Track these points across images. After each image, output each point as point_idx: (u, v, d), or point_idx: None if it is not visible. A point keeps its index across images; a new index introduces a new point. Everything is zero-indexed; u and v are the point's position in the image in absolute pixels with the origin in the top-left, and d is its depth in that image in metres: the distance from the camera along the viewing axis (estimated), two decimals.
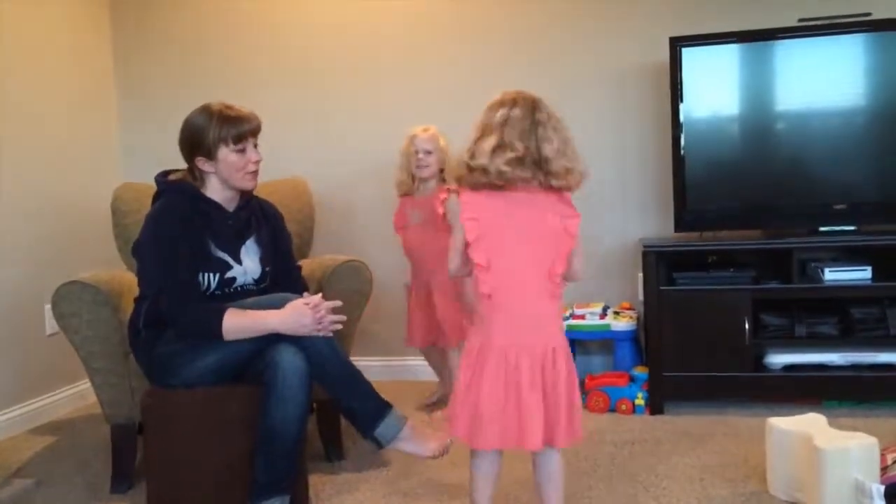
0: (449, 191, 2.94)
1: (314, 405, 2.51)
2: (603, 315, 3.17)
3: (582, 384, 3.14)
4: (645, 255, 2.96)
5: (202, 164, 2.22)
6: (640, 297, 3.08)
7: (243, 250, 2.30)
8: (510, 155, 1.77)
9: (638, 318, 3.21)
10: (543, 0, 3.41)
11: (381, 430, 2.16)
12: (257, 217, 2.38)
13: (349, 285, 2.57)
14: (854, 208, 2.92)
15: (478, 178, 1.79)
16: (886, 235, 2.84)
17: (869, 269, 2.84)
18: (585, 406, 3.02)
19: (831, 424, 2.18)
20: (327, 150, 3.57)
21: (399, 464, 2.53)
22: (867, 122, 2.95)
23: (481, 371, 1.78)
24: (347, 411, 2.20)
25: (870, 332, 2.84)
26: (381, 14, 3.54)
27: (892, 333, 2.82)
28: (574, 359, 3.37)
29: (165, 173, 2.31)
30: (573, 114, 3.32)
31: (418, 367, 3.46)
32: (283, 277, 2.39)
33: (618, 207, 3.41)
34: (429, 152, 2.97)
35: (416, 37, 3.53)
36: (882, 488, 1.93)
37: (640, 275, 3.02)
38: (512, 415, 1.76)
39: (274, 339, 2.10)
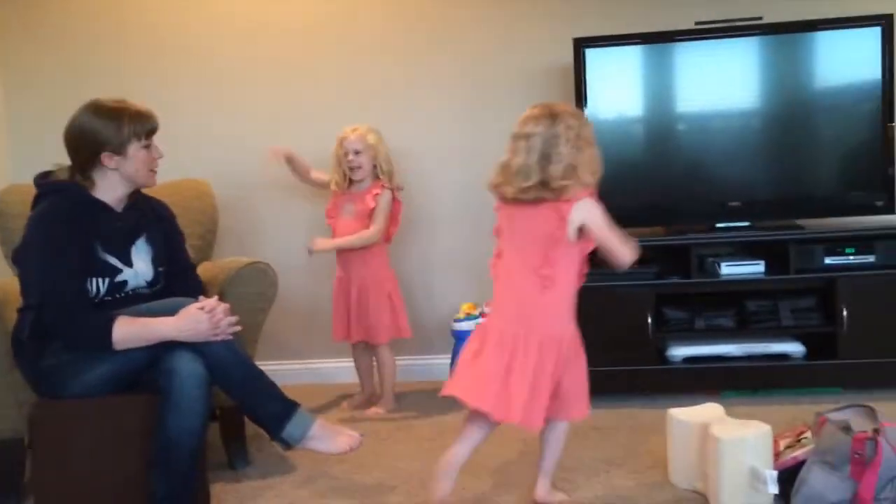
0: (383, 187, 3.03)
1: (217, 412, 2.43)
2: None
3: None
4: None
5: (108, 160, 2.13)
6: None
7: (134, 251, 2.21)
8: (515, 177, 2.05)
9: None
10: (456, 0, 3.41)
11: (289, 429, 2.11)
12: (147, 217, 2.30)
13: (253, 288, 2.50)
14: (748, 206, 3.04)
15: (496, 191, 2.13)
16: (778, 231, 2.96)
17: (762, 263, 2.95)
18: None
19: (729, 413, 2.25)
20: (230, 151, 3.47)
21: (306, 467, 2.49)
22: (760, 122, 3.07)
23: (484, 343, 2.04)
24: (253, 414, 2.14)
25: (763, 323, 2.97)
26: (288, 11, 3.47)
27: (783, 325, 2.95)
28: None
29: (45, 174, 2.20)
30: (483, 114, 3.42)
31: (328, 369, 3.42)
32: (178, 277, 2.33)
33: None
34: (358, 152, 3.01)
35: (323, 35, 3.47)
36: (775, 474, 2.01)
37: None
38: (502, 390, 1.99)
39: (170, 345, 2.02)
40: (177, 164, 3.02)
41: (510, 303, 2.08)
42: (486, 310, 3.20)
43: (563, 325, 2.09)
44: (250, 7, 3.47)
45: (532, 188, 2.00)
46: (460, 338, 3.19)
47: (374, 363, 3.17)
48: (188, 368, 1.99)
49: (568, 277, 2.09)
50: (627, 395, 3.04)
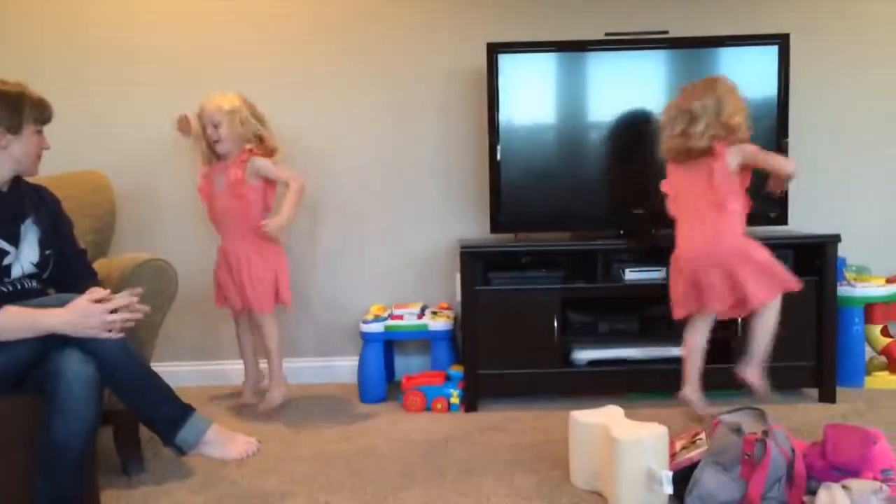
0: (250, 153, 2.89)
1: (109, 415, 2.33)
2: (421, 315, 3.19)
3: (399, 385, 3.15)
4: (462, 255, 3.00)
5: (1, 137, 2.04)
6: (458, 297, 3.13)
7: (22, 230, 2.10)
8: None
9: (455, 318, 3.26)
10: (372, 5, 3.38)
11: (183, 435, 2.04)
12: (33, 200, 2.19)
13: (151, 286, 2.39)
14: (650, 213, 3.11)
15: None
16: None
17: (664, 269, 3.03)
18: (402, 406, 3.03)
19: (629, 415, 2.30)
20: (131, 142, 3.33)
21: (203, 472, 2.41)
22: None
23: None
24: (145, 418, 2.07)
25: (664, 327, 3.05)
26: (204, 3, 3.35)
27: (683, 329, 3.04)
28: (392, 358, 3.41)
29: None
30: (398, 114, 3.40)
31: (232, 371, 3.33)
32: (67, 263, 2.22)
33: (439, 209, 3.44)
34: (217, 125, 2.87)
35: (239, 30, 3.37)
36: (670, 474, 2.06)
37: (458, 275, 3.06)
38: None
39: (59, 344, 1.92)
40: (74, 154, 2.90)
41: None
42: (396, 311, 3.19)
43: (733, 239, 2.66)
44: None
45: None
46: (369, 340, 3.16)
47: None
48: (76, 369, 1.89)
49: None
50: (533, 397, 3.08)
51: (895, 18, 3.36)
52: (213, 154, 2.96)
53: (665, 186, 2.79)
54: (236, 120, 2.86)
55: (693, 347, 2.78)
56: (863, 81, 3.37)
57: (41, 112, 2.12)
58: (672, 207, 2.77)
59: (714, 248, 2.65)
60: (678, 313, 2.78)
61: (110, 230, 2.86)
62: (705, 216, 2.67)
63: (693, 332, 2.78)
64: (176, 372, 3.14)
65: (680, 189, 2.74)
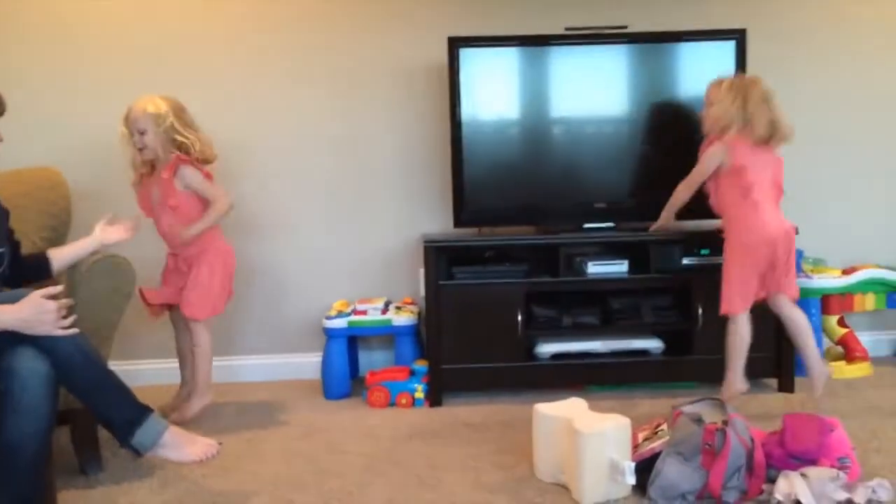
0: (179, 159, 2.73)
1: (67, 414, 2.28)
2: (384, 310, 3.18)
3: (363, 380, 3.14)
4: (425, 250, 3.00)
5: None
6: (422, 292, 3.12)
7: None
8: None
9: (419, 313, 3.25)
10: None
11: (139, 436, 2.00)
12: None
13: (108, 283, 2.35)
14: (613, 207, 3.14)
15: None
16: (640, 232, 3.08)
17: (626, 263, 3.06)
18: (367, 402, 3.02)
19: (592, 408, 2.32)
20: (87, 139, 3.25)
21: (164, 472, 2.37)
22: (625, 128, 3.17)
23: None
24: (102, 418, 2.02)
25: (626, 320, 3.08)
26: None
27: (645, 321, 3.07)
28: (356, 354, 3.39)
29: None
30: (361, 108, 3.38)
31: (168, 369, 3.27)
32: (18, 258, 2.22)
33: (403, 203, 3.43)
34: (143, 132, 2.69)
35: (192, 25, 3.31)
36: (633, 465, 2.08)
37: (422, 270, 3.06)
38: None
39: (12, 342, 1.87)
40: (28, 150, 2.83)
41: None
42: (359, 307, 3.18)
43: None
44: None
45: None
46: (332, 336, 3.14)
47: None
48: (30, 367, 1.84)
49: None
50: (497, 391, 3.09)
51: (850, 15, 3.43)
52: (144, 162, 2.79)
53: (744, 161, 2.73)
54: (161, 125, 2.69)
55: (748, 338, 2.77)
56: (820, 76, 3.43)
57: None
58: (750, 188, 2.72)
59: (789, 231, 2.73)
60: (742, 306, 2.73)
61: (66, 227, 2.79)
62: (776, 201, 2.77)
63: (747, 322, 2.76)
64: (136, 370, 3.09)
65: (758, 171, 2.74)
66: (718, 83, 2.78)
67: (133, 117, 2.70)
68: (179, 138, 2.72)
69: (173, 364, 2.99)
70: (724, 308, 2.74)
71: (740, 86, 2.75)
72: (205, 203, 2.81)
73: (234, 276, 2.93)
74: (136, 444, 2.01)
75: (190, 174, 2.75)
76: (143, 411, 2.03)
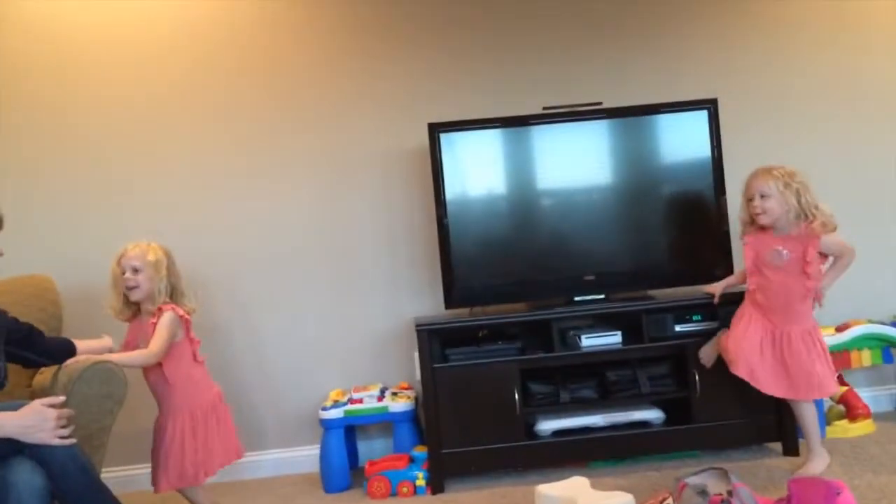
0: (161, 310, 2.68)
1: None
2: (381, 397, 3.15)
3: (362, 470, 3.09)
4: (419, 333, 2.99)
5: None
6: (417, 376, 3.10)
7: None
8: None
9: (416, 398, 3.22)
10: (310, 80, 3.44)
11: None
12: None
13: (99, 389, 2.34)
14: (602, 278, 3.16)
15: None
16: (631, 302, 3.09)
17: (619, 333, 3.06)
18: (367, 493, 2.96)
19: (596, 484, 2.29)
20: (77, 244, 3.28)
21: None
22: (608, 199, 3.22)
23: None
24: None
25: (624, 392, 3.05)
26: (128, 89, 3.36)
27: (642, 392, 3.05)
28: (355, 444, 3.34)
29: None
30: (344, 192, 3.42)
31: None
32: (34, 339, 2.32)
33: (391, 288, 3.45)
34: (137, 270, 2.67)
35: (175, 116, 3.39)
36: None
37: (417, 353, 3.05)
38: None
39: (8, 453, 1.85)
40: (19, 258, 2.84)
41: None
42: (355, 395, 3.15)
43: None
44: (98, 80, 3.36)
45: None
46: (329, 427, 3.10)
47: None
48: (26, 480, 1.84)
49: None
50: (500, 472, 3.04)
51: (817, 79, 3.55)
52: (126, 308, 2.74)
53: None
54: (158, 272, 2.69)
55: None
56: (791, 141, 3.51)
57: None
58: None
59: None
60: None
61: (57, 333, 2.79)
62: None
63: None
64: (130, 476, 3.04)
65: None
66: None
67: (131, 255, 2.69)
68: (167, 288, 2.72)
69: None
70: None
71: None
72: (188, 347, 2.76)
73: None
74: None
75: (168, 317, 2.67)
76: None
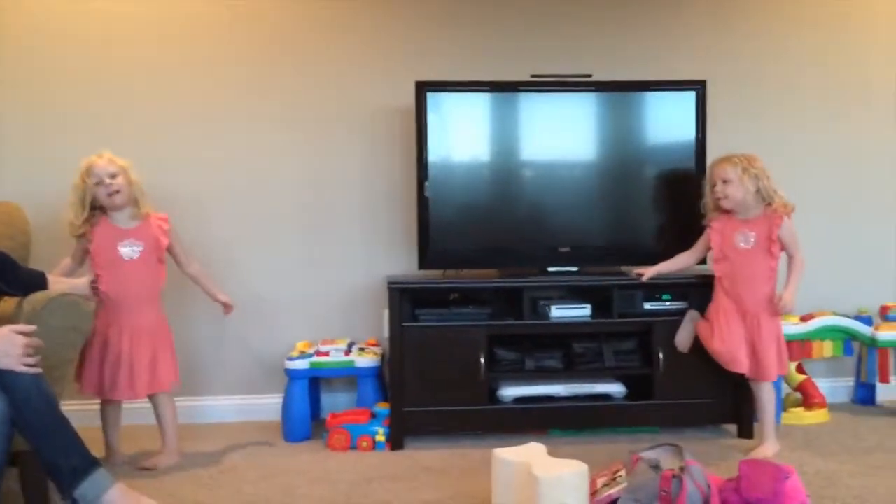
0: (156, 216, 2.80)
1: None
2: (347, 351, 3.16)
3: (324, 422, 3.11)
4: (390, 291, 2.99)
5: None
6: (386, 333, 3.11)
7: None
8: None
9: (383, 355, 3.23)
10: (296, 36, 3.39)
11: (83, 489, 1.96)
12: None
13: (64, 321, 2.32)
14: (576, 251, 3.17)
15: None
16: (603, 276, 3.11)
17: (589, 307, 3.09)
18: (327, 445, 2.98)
19: (553, 452, 2.31)
20: (50, 172, 3.22)
21: None
22: (590, 173, 3.22)
23: None
24: (49, 463, 1.98)
25: (589, 364, 3.09)
26: (105, 23, 3.30)
27: (607, 365, 3.08)
28: (318, 396, 3.35)
29: None
30: (326, 151, 3.40)
31: (149, 409, 3.22)
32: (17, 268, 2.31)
33: (368, 245, 3.44)
34: (113, 175, 2.71)
35: (159, 59, 3.33)
36: None
37: (386, 311, 3.05)
38: None
39: None
40: None
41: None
42: (322, 348, 3.15)
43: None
44: (84, 22, 3.29)
45: None
46: (293, 377, 3.11)
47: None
48: None
49: None
50: (460, 434, 3.07)
51: (807, 67, 3.55)
52: (90, 218, 2.74)
53: None
54: (131, 174, 2.76)
55: None
56: (776, 126, 3.52)
57: None
58: None
59: None
60: None
61: (25, 262, 2.75)
62: None
63: None
64: (88, 411, 3.03)
65: None
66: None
67: (101, 165, 2.71)
68: (141, 195, 2.80)
69: (130, 404, 2.93)
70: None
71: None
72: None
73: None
74: (79, 495, 1.96)
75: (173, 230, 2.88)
76: (91, 463, 1.99)
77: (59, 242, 2.86)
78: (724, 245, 2.91)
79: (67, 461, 1.96)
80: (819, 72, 3.57)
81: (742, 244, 2.87)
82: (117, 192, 2.72)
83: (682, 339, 3.02)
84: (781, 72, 3.55)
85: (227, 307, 2.99)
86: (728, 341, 2.87)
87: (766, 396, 2.90)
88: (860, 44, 3.58)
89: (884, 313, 3.40)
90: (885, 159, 3.61)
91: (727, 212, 2.91)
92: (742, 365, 2.87)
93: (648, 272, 3.02)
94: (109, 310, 2.72)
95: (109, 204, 2.73)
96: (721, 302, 2.92)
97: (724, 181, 2.86)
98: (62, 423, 1.99)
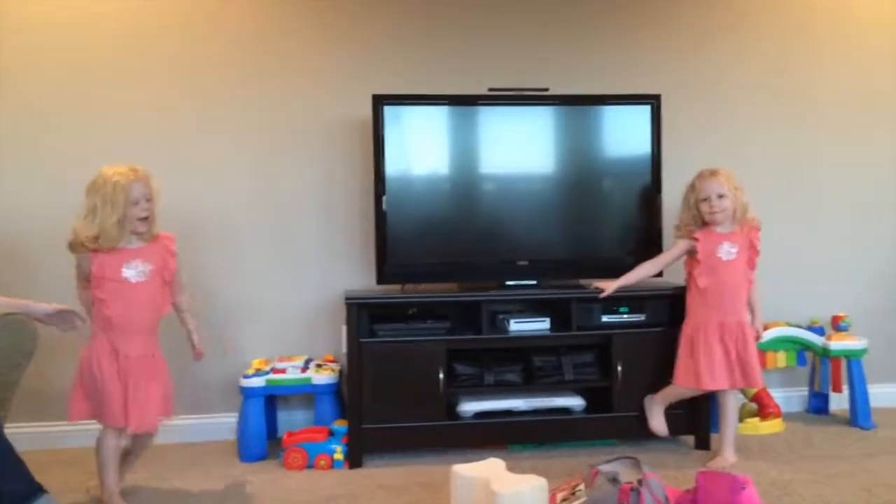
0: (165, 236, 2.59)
1: None
2: (304, 368, 3.12)
3: (280, 441, 3.05)
4: (348, 306, 2.96)
5: None
6: (344, 349, 3.07)
7: None
8: None
9: (341, 371, 3.19)
10: (253, 48, 3.36)
11: None
12: None
13: (7, 342, 2.25)
14: (534, 264, 3.17)
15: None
16: (562, 290, 3.11)
17: (547, 320, 3.09)
18: (283, 464, 2.92)
19: (513, 467, 2.30)
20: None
21: None
22: (547, 187, 3.22)
23: None
24: None
25: (548, 378, 3.08)
26: (69, 47, 3.24)
27: (566, 379, 3.08)
28: (275, 415, 3.30)
29: None
30: (283, 164, 3.36)
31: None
32: None
33: (325, 260, 3.40)
34: (150, 199, 2.51)
35: (114, 71, 3.27)
36: None
37: (344, 327, 3.01)
38: None
39: None
40: None
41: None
42: (278, 365, 3.10)
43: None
44: (38, 39, 3.22)
45: None
46: (249, 395, 3.05)
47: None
48: None
49: None
50: (420, 451, 3.04)
51: (754, 79, 3.62)
52: (122, 234, 2.48)
53: None
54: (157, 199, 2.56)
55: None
56: (729, 140, 3.58)
57: None
58: None
59: None
60: None
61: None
62: None
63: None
64: (45, 432, 2.95)
65: None
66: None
67: (142, 182, 2.49)
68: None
69: (81, 426, 2.84)
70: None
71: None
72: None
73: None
74: None
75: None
76: (35, 490, 1.92)
77: (9, 263, 2.78)
78: (709, 260, 2.91)
79: (10, 487, 1.89)
80: (770, 84, 3.63)
81: (725, 256, 2.90)
82: (146, 218, 2.50)
83: (657, 425, 3.01)
84: (734, 85, 3.61)
85: (196, 353, 2.75)
86: (718, 375, 2.86)
87: (732, 404, 2.94)
88: (812, 55, 3.66)
89: (836, 323, 3.46)
90: (837, 170, 3.68)
91: (706, 225, 2.94)
92: (724, 383, 2.89)
93: (609, 288, 3.02)
94: (113, 337, 2.47)
95: (134, 228, 2.49)
96: (699, 320, 2.91)
97: (720, 196, 2.88)
98: (5, 447, 1.92)
